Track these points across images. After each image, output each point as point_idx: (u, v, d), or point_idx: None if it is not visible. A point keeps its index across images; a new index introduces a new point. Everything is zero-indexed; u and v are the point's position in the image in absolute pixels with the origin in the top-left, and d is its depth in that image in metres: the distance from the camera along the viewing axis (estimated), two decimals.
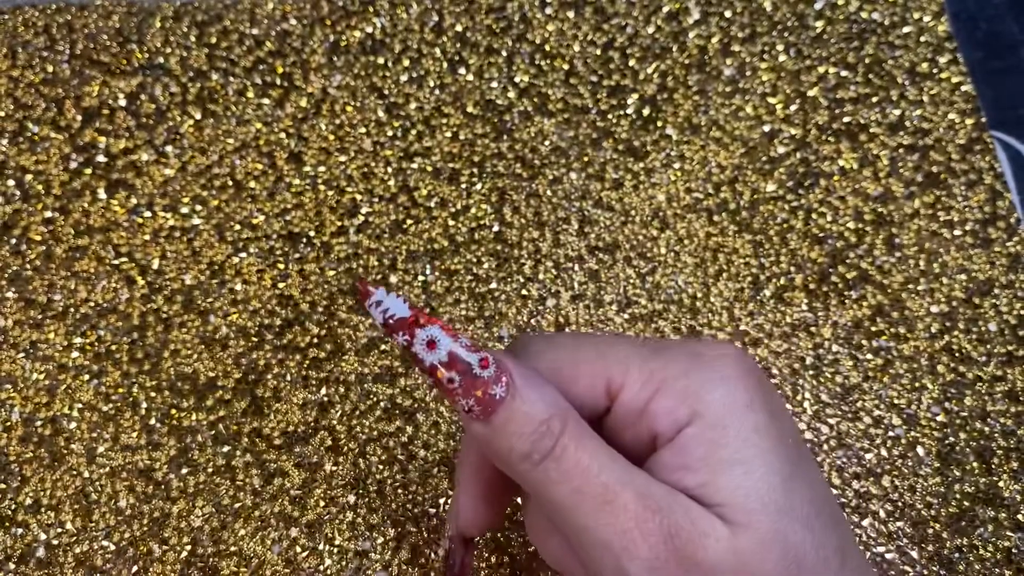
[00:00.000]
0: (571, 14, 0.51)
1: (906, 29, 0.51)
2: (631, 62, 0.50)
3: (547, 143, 0.48)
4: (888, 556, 0.39)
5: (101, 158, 0.47)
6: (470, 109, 0.49)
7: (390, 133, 0.48)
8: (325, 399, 0.42)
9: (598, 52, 0.50)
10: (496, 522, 0.30)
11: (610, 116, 0.49)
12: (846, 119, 0.49)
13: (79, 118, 0.48)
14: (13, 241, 0.45)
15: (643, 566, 0.21)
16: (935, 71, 0.50)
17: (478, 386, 0.23)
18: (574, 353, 0.25)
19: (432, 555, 0.39)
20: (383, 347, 0.43)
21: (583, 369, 0.25)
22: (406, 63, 0.50)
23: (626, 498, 0.22)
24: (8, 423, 0.41)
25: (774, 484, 0.22)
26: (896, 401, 0.42)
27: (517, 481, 0.24)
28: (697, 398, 0.23)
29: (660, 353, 0.24)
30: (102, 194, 0.46)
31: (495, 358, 0.24)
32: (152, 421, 0.42)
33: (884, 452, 0.41)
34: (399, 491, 0.41)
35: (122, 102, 0.48)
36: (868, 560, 0.24)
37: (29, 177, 0.46)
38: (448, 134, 0.48)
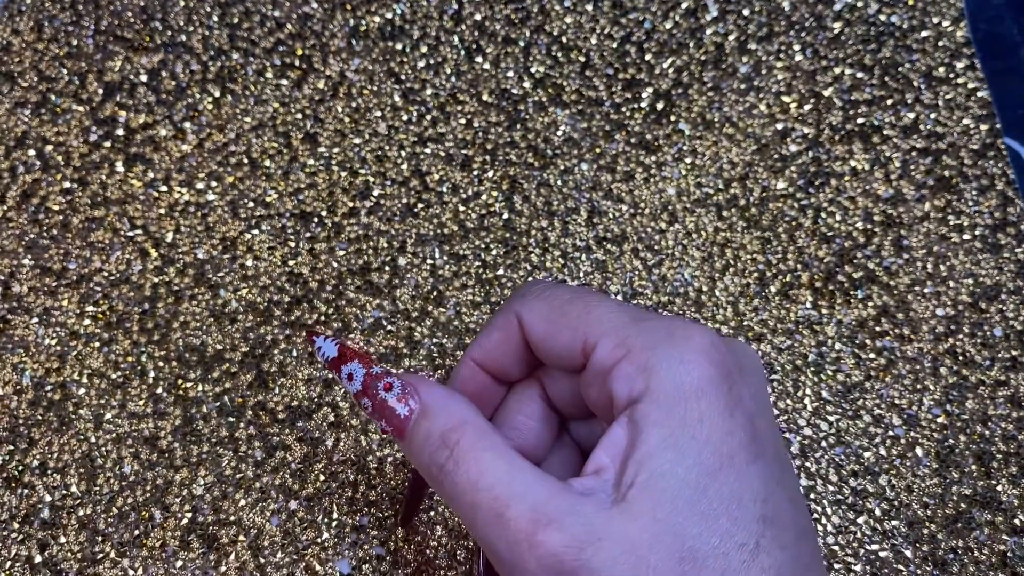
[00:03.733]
0: (589, 7, 0.52)
1: (924, 33, 0.51)
2: (647, 56, 0.50)
3: (560, 133, 0.48)
4: (882, 554, 0.39)
5: (120, 132, 0.48)
6: (485, 97, 0.49)
7: (405, 118, 0.49)
8: (330, 376, 0.43)
9: (615, 45, 0.51)
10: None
11: (624, 109, 0.49)
12: (860, 120, 0.49)
13: (101, 92, 0.49)
14: (32, 210, 0.46)
15: None
16: (951, 76, 0.50)
17: (385, 408, 0.26)
18: (562, 307, 0.26)
19: (428, 532, 0.40)
20: (389, 327, 0.44)
21: (566, 323, 0.26)
22: (424, 50, 0.50)
23: (517, 511, 0.22)
24: (19, 387, 0.42)
25: (690, 479, 0.22)
26: (897, 401, 0.42)
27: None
28: (654, 373, 0.23)
29: (638, 323, 0.24)
30: (120, 167, 0.47)
31: (402, 380, 0.26)
32: (159, 390, 0.42)
33: (883, 451, 0.41)
34: (399, 469, 0.41)
35: (143, 78, 0.49)
36: (812, 557, 0.23)
37: (49, 148, 0.47)
38: (462, 121, 0.49)
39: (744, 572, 0.21)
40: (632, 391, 0.23)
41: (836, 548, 0.39)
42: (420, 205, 0.47)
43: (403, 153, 0.48)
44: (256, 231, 0.46)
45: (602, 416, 0.26)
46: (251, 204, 0.46)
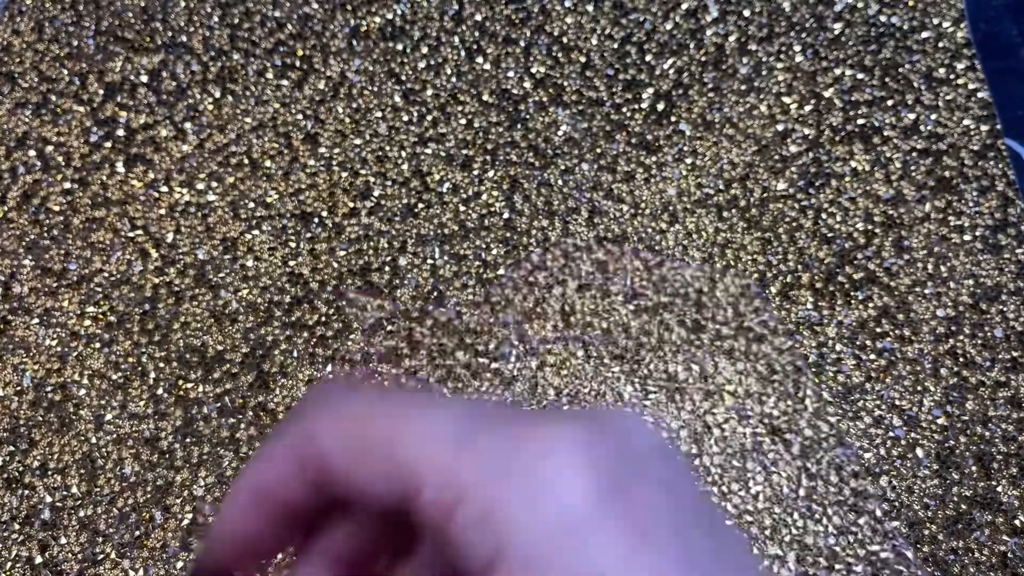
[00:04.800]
0: (590, 8, 0.52)
1: (924, 34, 0.51)
2: (648, 57, 0.50)
3: (560, 133, 0.48)
4: (883, 555, 0.39)
5: (121, 132, 0.48)
6: (485, 97, 0.49)
7: (406, 118, 0.49)
8: (331, 376, 0.43)
9: (615, 46, 0.51)
10: None
11: (624, 109, 0.49)
12: (860, 121, 0.49)
13: (101, 93, 0.49)
14: (32, 210, 0.46)
15: None
16: (952, 77, 0.50)
17: None
18: (364, 430, 0.18)
19: None
20: (389, 328, 0.44)
21: (375, 450, 0.18)
22: (424, 50, 0.50)
23: None
24: (20, 387, 0.42)
25: None
26: (897, 402, 0.42)
27: None
28: (505, 526, 0.16)
29: (468, 446, 0.17)
30: (120, 168, 0.47)
31: None
32: (160, 391, 0.42)
33: (883, 452, 0.41)
34: None
35: (144, 78, 0.49)
36: None
37: (50, 148, 0.47)
38: (463, 121, 0.49)
39: None
40: (481, 553, 0.16)
41: (837, 549, 0.39)
42: (420, 205, 0.47)
43: (403, 153, 0.48)
44: (256, 231, 0.46)
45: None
46: (251, 204, 0.46)
